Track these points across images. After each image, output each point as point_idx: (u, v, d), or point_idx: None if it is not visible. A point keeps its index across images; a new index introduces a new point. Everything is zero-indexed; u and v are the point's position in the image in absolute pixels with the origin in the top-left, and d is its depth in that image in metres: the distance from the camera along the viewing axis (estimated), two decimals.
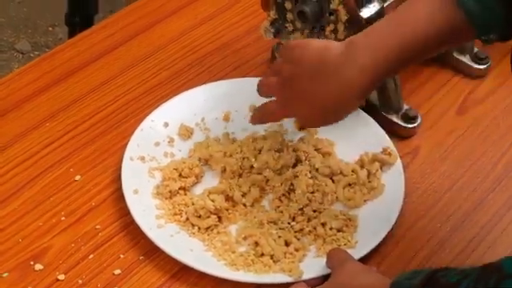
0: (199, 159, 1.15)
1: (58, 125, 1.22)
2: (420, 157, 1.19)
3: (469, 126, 1.23)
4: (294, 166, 1.14)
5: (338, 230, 1.07)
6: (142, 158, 1.14)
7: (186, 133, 1.19)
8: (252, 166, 1.13)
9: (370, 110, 1.20)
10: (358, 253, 1.03)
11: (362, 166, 1.14)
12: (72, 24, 1.97)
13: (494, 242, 1.08)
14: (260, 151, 1.14)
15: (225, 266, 1.02)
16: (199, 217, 1.07)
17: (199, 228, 1.07)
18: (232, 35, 1.38)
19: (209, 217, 1.07)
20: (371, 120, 1.19)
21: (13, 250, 1.05)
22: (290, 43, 1.04)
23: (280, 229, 1.07)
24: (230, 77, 1.29)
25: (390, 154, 1.14)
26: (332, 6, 1.12)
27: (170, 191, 1.10)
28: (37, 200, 1.11)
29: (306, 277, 1.01)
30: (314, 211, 1.09)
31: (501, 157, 1.19)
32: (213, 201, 1.07)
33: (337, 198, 1.12)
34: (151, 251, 1.04)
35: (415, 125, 1.21)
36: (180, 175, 1.12)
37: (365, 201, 1.11)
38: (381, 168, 1.14)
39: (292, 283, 1.01)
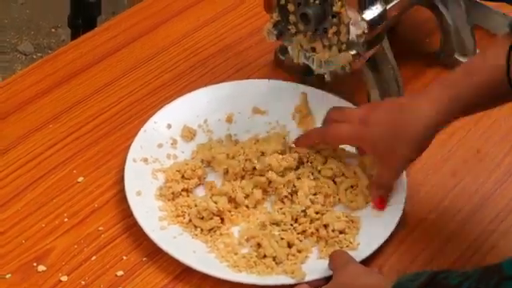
0: (202, 161, 1.15)
1: (61, 126, 1.22)
2: (422, 158, 1.18)
3: (471, 128, 1.23)
4: (297, 168, 1.14)
5: (341, 232, 1.07)
6: (145, 160, 1.14)
7: (188, 134, 1.19)
8: (254, 168, 1.13)
9: None
10: (360, 254, 1.03)
11: (363, 169, 1.14)
12: (75, 26, 1.97)
13: (496, 244, 1.08)
14: (263, 153, 1.14)
15: (227, 268, 1.03)
16: (202, 218, 1.07)
17: (202, 230, 1.07)
18: (235, 37, 1.39)
19: (211, 218, 1.07)
20: None
21: (16, 251, 1.05)
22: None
23: (282, 230, 1.07)
24: (233, 79, 1.29)
25: None
26: (335, 9, 1.12)
27: (173, 193, 1.10)
28: (40, 201, 1.11)
29: (308, 278, 1.01)
30: (317, 213, 1.09)
31: (503, 158, 1.19)
32: (215, 202, 1.07)
33: (339, 199, 1.12)
34: (154, 253, 1.04)
35: None
36: (183, 177, 1.12)
37: (366, 203, 1.11)
38: None
39: (294, 285, 1.01)
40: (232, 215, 1.09)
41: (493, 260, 1.04)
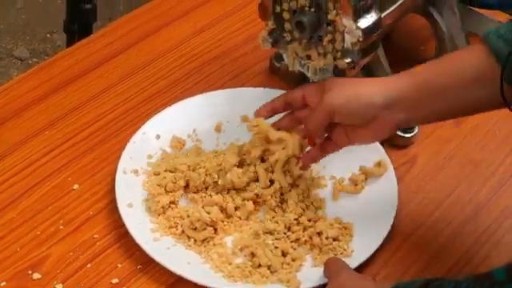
0: (165, 170, 1.14)
1: (57, 133, 1.22)
2: (417, 166, 1.19)
3: (466, 136, 1.24)
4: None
5: (334, 239, 1.07)
6: (136, 172, 1.14)
7: (177, 145, 1.19)
8: (216, 182, 1.12)
9: None
10: (354, 261, 1.03)
11: (355, 184, 1.15)
12: (70, 31, 1.97)
13: (490, 252, 1.08)
14: (221, 169, 1.12)
15: (223, 278, 1.02)
16: (195, 229, 1.07)
17: (195, 240, 1.07)
18: (230, 44, 1.39)
19: (205, 229, 1.07)
20: None
21: (11, 258, 1.05)
22: None
23: (276, 239, 1.07)
24: (228, 86, 1.29)
25: (379, 165, 1.14)
26: (330, 17, 1.13)
27: (162, 207, 1.10)
28: (35, 209, 1.11)
29: (303, 287, 1.01)
30: (309, 220, 1.09)
31: (498, 166, 1.19)
32: (208, 213, 1.07)
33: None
34: (149, 261, 1.04)
35: (412, 134, 1.21)
36: (166, 190, 1.11)
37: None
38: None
39: None
40: (225, 225, 1.09)
41: (488, 268, 1.04)
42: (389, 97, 1.00)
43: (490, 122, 1.24)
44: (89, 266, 1.05)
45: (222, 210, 1.09)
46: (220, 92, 1.26)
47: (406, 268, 1.06)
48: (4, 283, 1.02)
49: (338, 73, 1.15)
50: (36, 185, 1.15)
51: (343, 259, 1.03)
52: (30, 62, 2.70)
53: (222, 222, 1.09)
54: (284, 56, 1.22)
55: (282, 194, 1.12)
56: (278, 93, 1.24)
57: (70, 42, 1.95)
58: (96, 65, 1.34)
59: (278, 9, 1.18)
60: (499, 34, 0.94)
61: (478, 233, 1.10)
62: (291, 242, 1.07)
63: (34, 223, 1.10)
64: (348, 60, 1.14)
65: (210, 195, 1.11)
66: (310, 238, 1.07)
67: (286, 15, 1.18)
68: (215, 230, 1.08)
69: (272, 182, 1.12)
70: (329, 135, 1.08)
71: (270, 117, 1.12)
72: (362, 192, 1.14)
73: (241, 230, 1.09)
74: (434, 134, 1.23)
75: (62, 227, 1.09)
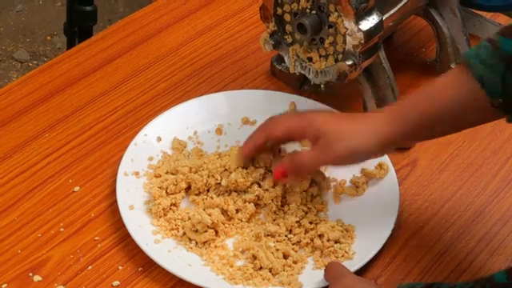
0: (166, 172, 1.14)
1: (57, 136, 1.22)
2: (418, 168, 1.19)
3: (466, 138, 1.23)
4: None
5: (336, 242, 1.07)
6: (137, 174, 1.14)
7: (179, 147, 1.19)
8: (219, 183, 1.11)
9: None
10: (355, 264, 1.03)
11: (357, 187, 1.14)
12: (71, 33, 1.97)
13: (492, 254, 1.08)
14: (226, 169, 1.12)
15: (224, 281, 1.02)
16: (196, 231, 1.06)
17: (196, 242, 1.07)
18: (231, 46, 1.39)
19: (206, 231, 1.06)
20: None
21: (12, 261, 1.05)
22: None
23: (277, 242, 1.07)
24: (229, 88, 1.29)
25: (380, 167, 1.14)
26: (331, 19, 1.13)
27: (163, 209, 1.09)
28: (36, 211, 1.11)
29: None
30: (311, 223, 1.09)
31: (499, 169, 1.19)
32: (209, 215, 1.07)
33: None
34: (150, 263, 1.04)
35: None
36: (167, 193, 1.11)
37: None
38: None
39: None
40: (226, 227, 1.09)
41: (489, 270, 1.05)
42: (383, 145, 1.03)
43: (491, 124, 1.24)
44: (90, 268, 1.04)
45: (223, 212, 1.09)
46: (221, 94, 1.26)
47: (409, 269, 1.06)
48: (5, 285, 1.02)
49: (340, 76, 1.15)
50: (37, 187, 1.14)
51: (344, 262, 1.03)
52: (30, 64, 2.70)
53: (224, 224, 1.08)
54: (285, 58, 1.22)
55: (283, 198, 1.11)
56: (278, 95, 1.24)
57: (70, 44, 1.95)
58: (96, 67, 1.34)
59: (279, 11, 1.18)
60: (481, 59, 0.95)
61: (479, 236, 1.10)
62: (292, 244, 1.07)
63: (34, 225, 1.09)
64: (349, 62, 1.13)
65: (212, 197, 1.11)
66: (312, 240, 1.07)
67: (287, 17, 1.18)
68: (216, 232, 1.07)
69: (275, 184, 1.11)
70: None
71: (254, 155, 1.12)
72: (363, 194, 1.14)
73: (242, 233, 1.09)
74: None
75: (62, 229, 1.09)
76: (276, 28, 1.20)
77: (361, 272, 1.03)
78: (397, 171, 1.16)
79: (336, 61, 1.16)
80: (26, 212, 1.11)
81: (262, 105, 1.23)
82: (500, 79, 0.93)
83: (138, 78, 1.32)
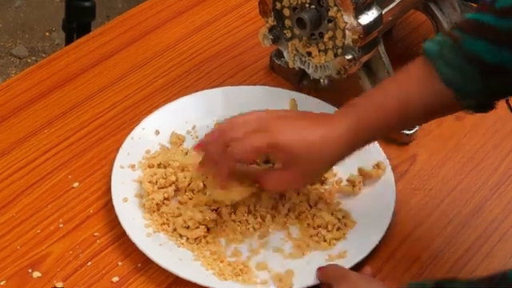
0: (159, 164, 1.13)
1: (56, 132, 1.22)
2: (418, 163, 1.19)
3: (467, 132, 1.23)
4: None
5: (328, 230, 1.07)
6: (133, 166, 1.14)
7: (177, 141, 1.19)
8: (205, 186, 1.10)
9: None
10: (350, 260, 1.03)
11: (353, 186, 1.14)
12: (69, 29, 1.97)
13: (492, 248, 1.08)
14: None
15: (213, 276, 1.02)
16: (187, 227, 1.06)
17: (187, 238, 1.06)
18: (229, 42, 1.38)
19: (197, 227, 1.06)
20: None
21: (11, 257, 1.05)
22: None
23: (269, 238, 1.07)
24: (228, 83, 1.29)
25: (378, 167, 1.14)
26: (330, 14, 1.12)
27: (157, 204, 1.09)
28: (35, 207, 1.11)
29: (295, 287, 1.01)
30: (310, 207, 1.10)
31: (500, 163, 1.19)
32: (201, 212, 1.07)
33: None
34: (149, 259, 1.03)
35: (413, 131, 1.21)
36: (158, 187, 1.10)
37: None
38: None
39: None
40: (218, 224, 1.08)
41: (489, 265, 1.05)
42: (353, 147, 1.01)
43: (492, 118, 1.24)
44: (89, 264, 1.04)
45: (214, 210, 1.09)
46: (221, 89, 1.26)
47: (408, 266, 1.05)
48: (4, 282, 1.02)
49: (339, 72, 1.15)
50: (35, 183, 1.14)
51: (340, 260, 1.03)
52: (29, 60, 2.70)
53: (215, 221, 1.08)
54: (284, 53, 1.22)
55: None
56: (277, 91, 1.24)
57: (69, 40, 1.94)
58: (95, 63, 1.34)
59: (278, 5, 1.18)
60: (445, 60, 0.94)
61: (479, 230, 1.10)
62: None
63: (33, 222, 1.09)
64: (349, 57, 1.13)
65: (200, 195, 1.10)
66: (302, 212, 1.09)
67: (286, 12, 1.17)
68: (208, 228, 1.07)
69: None
70: None
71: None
72: (359, 194, 1.13)
73: (234, 231, 1.08)
74: (435, 131, 1.23)
75: (61, 225, 1.09)
76: (275, 23, 1.20)
77: (357, 268, 1.03)
78: (396, 166, 1.16)
79: (335, 55, 1.16)
80: (24, 208, 1.11)
81: (263, 101, 1.22)
82: (464, 79, 0.93)
83: (137, 74, 1.32)
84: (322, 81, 1.19)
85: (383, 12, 1.14)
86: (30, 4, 2.94)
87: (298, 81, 1.28)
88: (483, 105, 0.97)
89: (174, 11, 1.44)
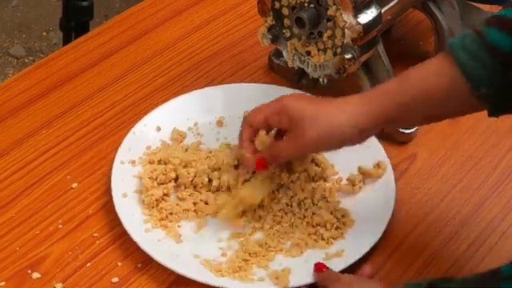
0: (159, 160, 1.13)
1: (55, 132, 1.21)
2: (418, 162, 1.19)
3: (466, 131, 1.23)
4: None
5: (326, 228, 1.07)
6: (133, 162, 1.14)
7: (178, 137, 1.19)
8: (210, 180, 1.10)
9: None
10: (343, 262, 1.02)
11: (353, 185, 1.13)
12: (67, 29, 1.96)
13: (492, 247, 1.08)
14: (215, 169, 1.11)
15: (210, 273, 1.02)
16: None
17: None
18: (229, 41, 1.38)
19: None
20: None
21: (10, 258, 1.05)
22: None
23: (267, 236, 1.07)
24: (227, 82, 1.29)
25: (378, 166, 1.14)
26: (330, 12, 1.12)
27: (156, 199, 1.09)
28: (34, 208, 1.11)
29: (292, 285, 1.00)
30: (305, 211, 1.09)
31: (499, 162, 1.19)
32: (201, 210, 1.06)
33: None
34: (149, 259, 1.03)
35: (413, 130, 1.20)
36: (158, 183, 1.11)
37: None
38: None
39: None
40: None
41: (490, 263, 1.05)
42: (357, 128, 1.00)
43: (491, 117, 1.24)
44: (88, 265, 1.04)
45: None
46: (222, 87, 1.26)
47: (407, 265, 1.05)
48: (3, 283, 1.01)
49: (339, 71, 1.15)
50: (34, 184, 1.14)
51: (334, 258, 1.03)
52: (27, 60, 2.69)
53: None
54: (283, 52, 1.22)
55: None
56: (276, 89, 1.24)
57: (67, 39, 1.94)
58: (93, 63, 1.34)
59: (277, 5, 1.18)
60: (465, 48, 0.94)
61: (479, 229, 1.10)
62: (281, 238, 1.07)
63: (32, 222, 1.09)
64: (348, 56, 1.13)
65: (200, 192, 1.10)
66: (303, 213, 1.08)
67: (285, 11, 1.17)
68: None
69: None
70: None
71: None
72: (359, 193, 1.13)
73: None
74: (434, 130, 1.23)
75: (61, 226, 1.08)
76: (274, 22, 1.20)
77: (355, 268, 1.02)
78: (396, 165, 1.16)
79: (335, 54, 1.15)
80: (24, 209, 1.11)
81: (264, 98, 1.22)
82: (484, 70, 0.93)
83: (136, 74, 1.32)
84: (321, 80, 1.19)
85: (382, 11, 1.14)
86: (27, 3, 2.93)
87: (297, 80, 1.28)
88: (499, 104, 0.96)
89: (173, 10, 1.44)
